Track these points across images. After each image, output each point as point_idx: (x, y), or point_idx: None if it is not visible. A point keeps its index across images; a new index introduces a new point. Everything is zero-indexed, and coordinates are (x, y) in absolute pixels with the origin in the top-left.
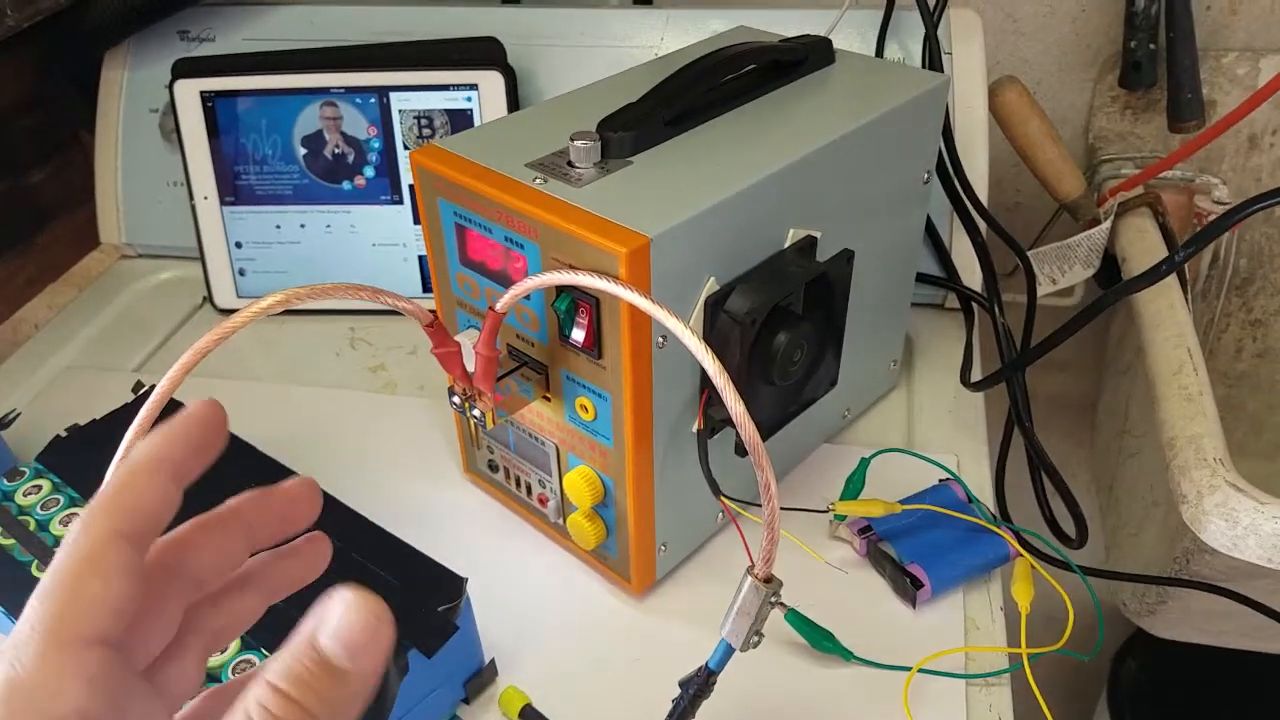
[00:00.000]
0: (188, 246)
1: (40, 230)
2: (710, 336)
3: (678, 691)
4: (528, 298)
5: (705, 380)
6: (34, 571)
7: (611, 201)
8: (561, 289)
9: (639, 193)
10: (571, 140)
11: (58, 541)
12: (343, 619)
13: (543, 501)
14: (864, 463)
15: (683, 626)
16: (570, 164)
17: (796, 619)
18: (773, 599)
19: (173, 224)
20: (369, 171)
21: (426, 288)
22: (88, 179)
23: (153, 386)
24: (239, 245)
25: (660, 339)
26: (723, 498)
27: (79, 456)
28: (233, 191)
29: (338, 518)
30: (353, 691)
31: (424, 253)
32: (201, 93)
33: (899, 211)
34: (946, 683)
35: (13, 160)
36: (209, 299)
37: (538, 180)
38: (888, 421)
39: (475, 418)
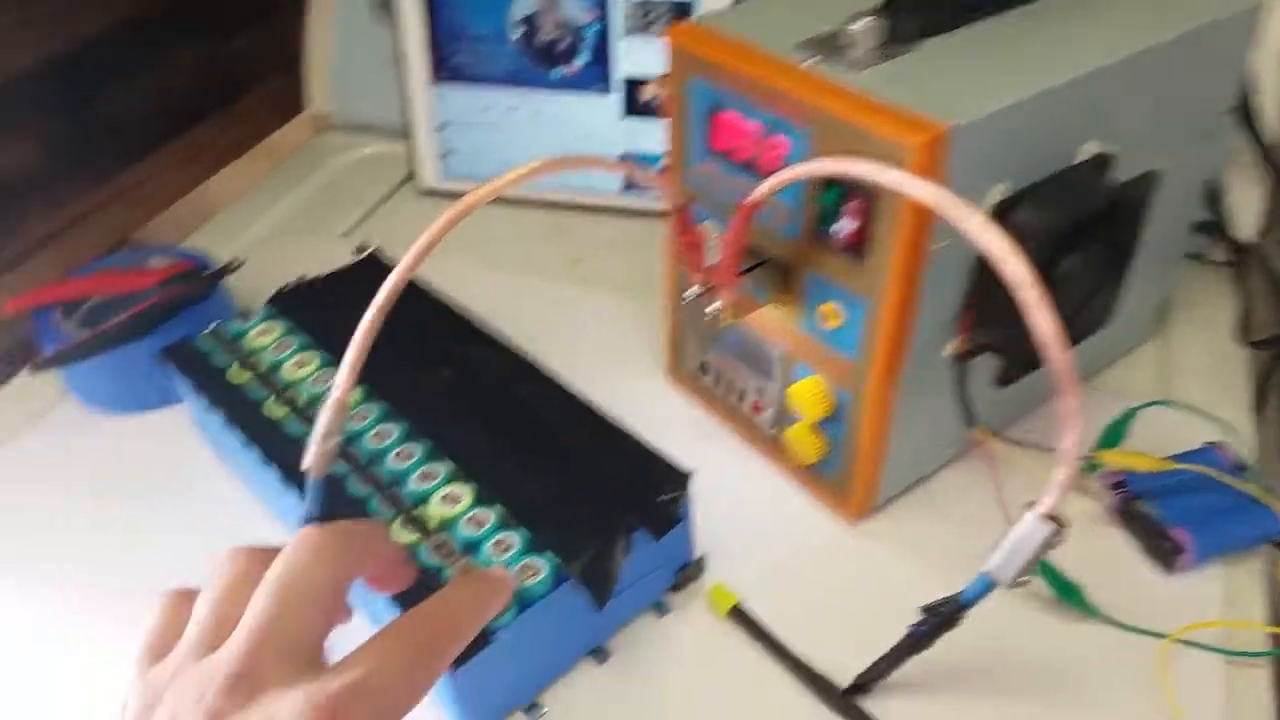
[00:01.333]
0: (392, 123)
1: (240, 96)
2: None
3: (895, 617)
4: (782, 190)
5: (973, 298)
6: (268, 408)
7: (899, 88)
8: (830, 181)
9: (929, 81)
10: (850, 20)
11: (290, 383)
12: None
13: (757, 410)
14: (1131, 413)
15: (897, 558)
16: (847, 46)
17: (1044, 566)
18: (1054, 540)
19: (379, 99)
20: (582, 58)
21: (628, 187)
22: (290, 47)
23: (373, 250)
24: (446, 125)
25: (936, 245)
26: (978, 428)
27: (307, 307)
28: (444, 69)
29: (568, 405)
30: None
31: (629, 149)
32: None
33: (1193, 144)
34: (1202, 657)
35: (218, 23)
36: (412, 178)
37: (812, 61)
38: (1137, 374)
39: (709, 315)
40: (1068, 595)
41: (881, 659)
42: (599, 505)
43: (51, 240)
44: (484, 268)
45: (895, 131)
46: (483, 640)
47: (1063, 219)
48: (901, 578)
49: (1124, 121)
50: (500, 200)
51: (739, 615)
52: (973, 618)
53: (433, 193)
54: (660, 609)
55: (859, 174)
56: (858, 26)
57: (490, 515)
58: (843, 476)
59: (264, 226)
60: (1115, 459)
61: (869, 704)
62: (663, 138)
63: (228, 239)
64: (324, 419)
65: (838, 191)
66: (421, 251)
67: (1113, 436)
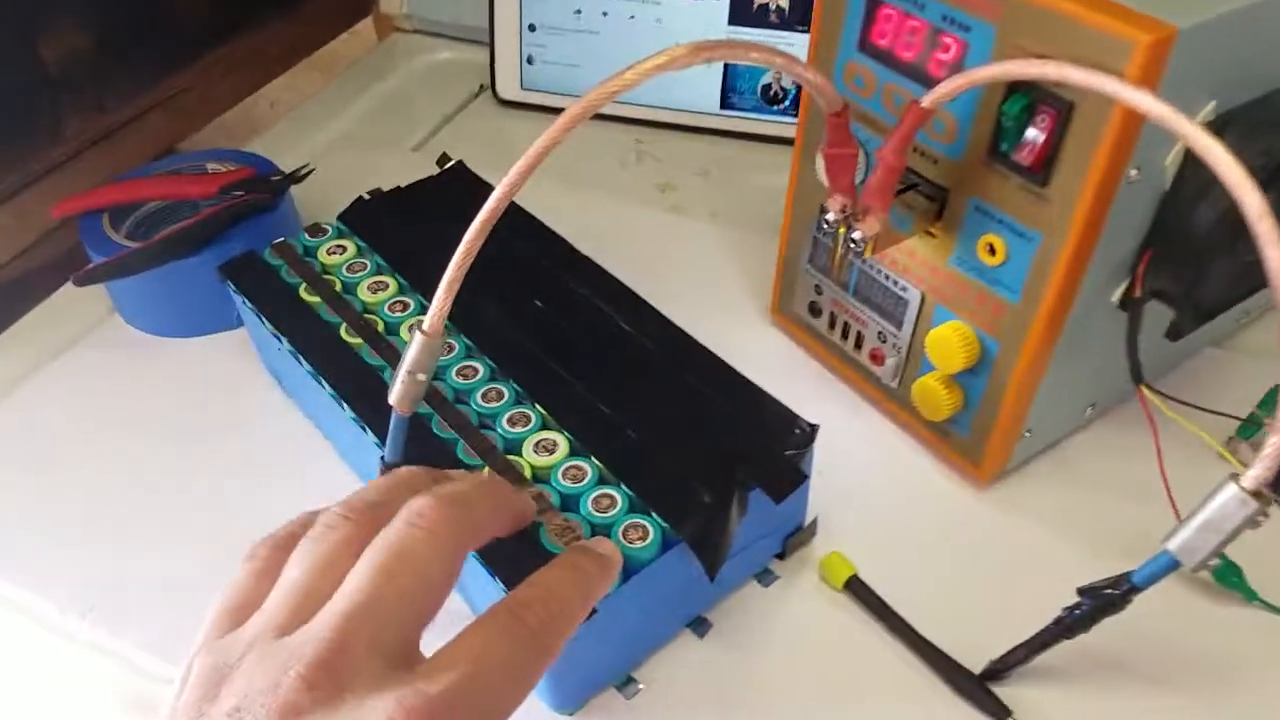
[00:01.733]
0: (468, 26)
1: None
2: (1183, 181)
3: (1030, 595)
4: (953, 99)
5: (1154, 239)
6: (343, 334)
7: None
8: (1016, 88)
9: None
10: None
11: (366, 307)
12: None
13: (877, 358)
14: None
15: (1032, 529)
16: None
17: None
18: (1257, 519)
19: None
20: None
21: (725, 104)
22: None
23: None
24: (532, 29)
25: (1134, 171)
26: (1144, 386)
27: (383, 221)
28: None
29: (675, 344)
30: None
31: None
32: None
33: None
34: None
35: None
36: (491, 87)
37: None
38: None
39: (853, 242)
40: (1226, 578)
41: (1027, 643)
42: (711, 460)
43: (94, 145)
44: (565, 189)
45: (1116, 27)
46: None
47: (1276, 149)
48: (1037, 550)
49: None
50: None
51: (856, 587)
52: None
53: (512, 104)
54: (765, 577)
55: (1076, 80)
56: None
57: (588, 467)
58: (977, 436)
59: (326, 138)
60: None
61: (1002, 691)
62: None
63: (285, 151)
64: (413, 351)
65: (1025, 100)
66: (535, 158)
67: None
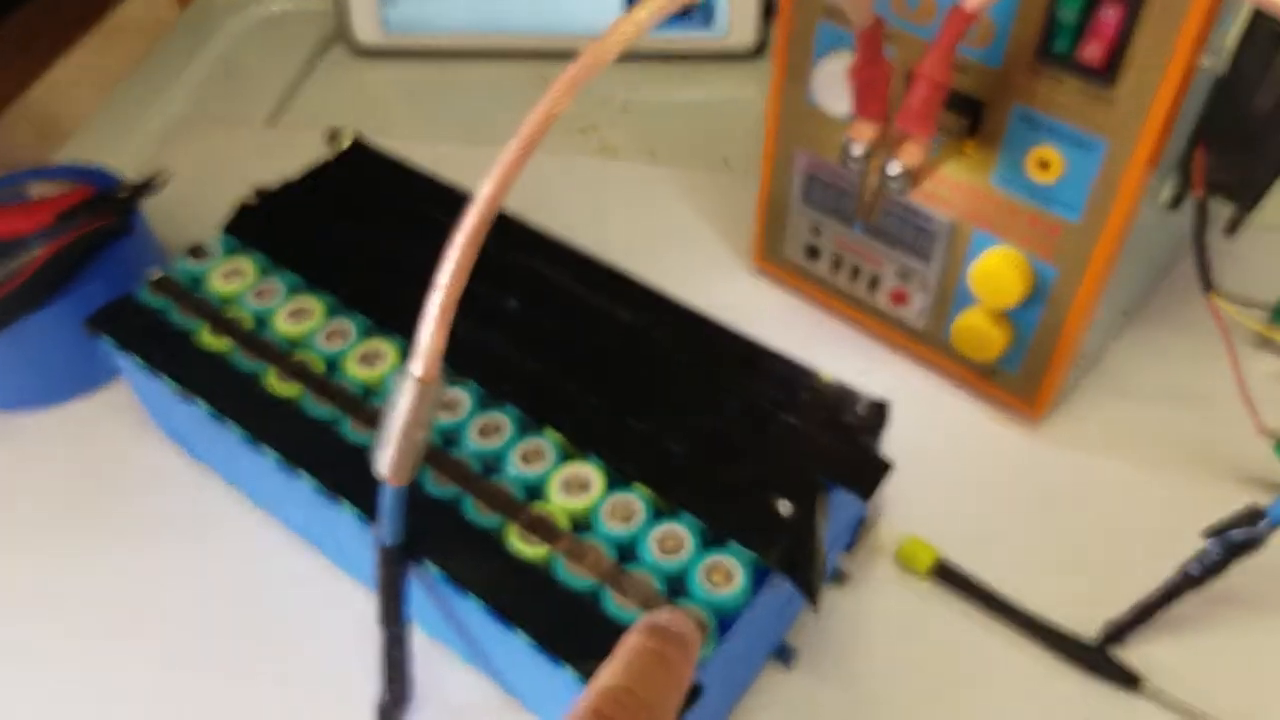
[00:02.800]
0: None
1: None
2: (1243, 60)
3: (1125, 540)
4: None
5: (1207, 124)
6: (271, 385)
7: None
8: None
9: None
10: None
11: (292, 342)
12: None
13: (899, 299)
14: None
15: (1102, 461)
16: None
17: None
18: None
19: None
20: None
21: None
22: None
23: (355, 137)
24: None
25: (1207, 60)
26: (1215, 296)
27: (282, 227)
28: None
29: (702, 330)
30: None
31: None
32: None
33: None
34: None
35: None
36: (345, 34)
37: None
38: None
39: (891, 179)
40: None
41: (1148, 600)
42: (776, 462)
43: None
44: (472, 148)
45: None
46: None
47: None
48: (1115, 485)
49: None
50: (459, 55)
51: (946, 573)
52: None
53: (375, 52)
54: (839, 578)
55: None
56: None
57: (637, 501)
58: (1030, 372)
59: (156, 128)
60: None
61: (1127, 654)
62: None
63: (108, 153)
64: (406, 404)
65: None
66: (527, 143)
67: None
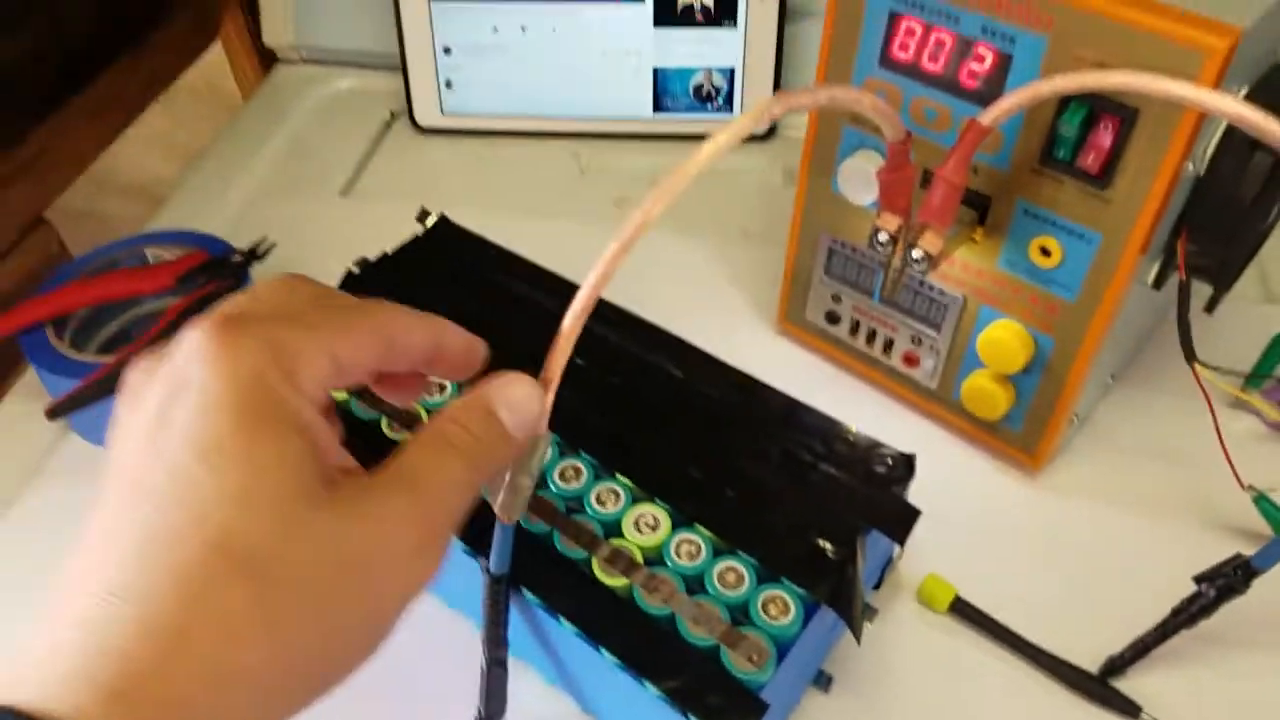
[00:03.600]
0: (364, 52)
1: (156, 26)
2: (1220, 165)
3: (1121, 579)
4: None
5: (1188, 216)
6: (386, 430)
7: None
8: (1073, 99)
9: None
10: None
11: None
12: (523, 401)
13: (911, 361)
14: None
15: (1096, 507)
16: None
17: (1268, 506)
18: None
19: (348, 24)
20: None
21: (659, 106)
22: None
23: (439, 216)
24: (447, 51)
25: (1190, 165)
26: (1197, 364)
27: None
28: None
29: (750, 389)
30: (503, 455)
31: (660, 64)
32: None
33: None
34: None
35: None
36: (409, 114)
37: None
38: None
39: (915, 262)
40: None
41: (1145, 636)
42: (819, 508)
43: None
44: (520, 218)
45: (1187, 35)
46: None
47: None
48: (1108, 530)
49: None
50: (506, 134)
51: (962, 608)
52: (1187, 558)
53: (434, 131)
54: (868, 613)
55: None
56: None
57: (700, 540)
58: (1031, 428)
59: (242, 195)
60: None
61: (1124, 685)
62: (699, 51)
63: (201, 217)
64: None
65: (1085, 110)
66: (623, 248)
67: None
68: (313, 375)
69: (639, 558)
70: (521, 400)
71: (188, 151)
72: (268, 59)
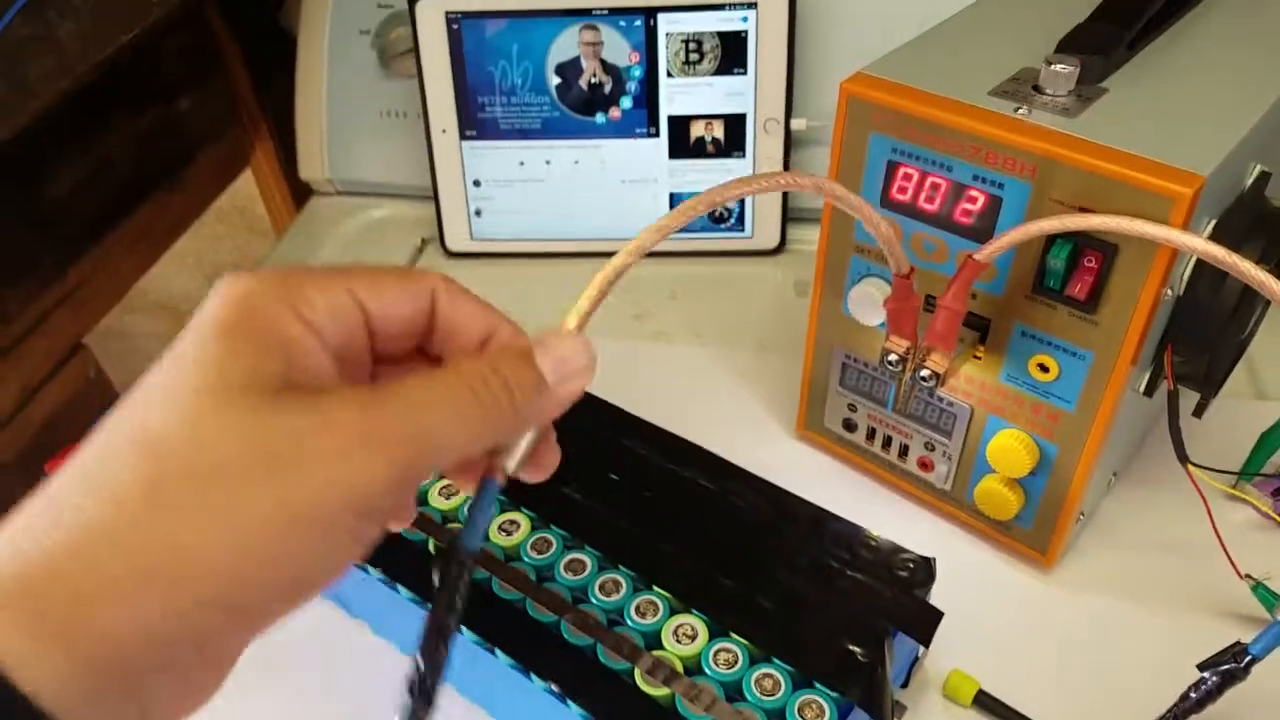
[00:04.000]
0: (396, 184)
1: (192, 160)
2: (1196, 287)
3: (1133, 667)
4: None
5: (1171, 331)
6: (431, 549)
7: (1127, 135)
8: (1060, 236)
9: (1149, 125)
10: (1047, 64)
11: (445, 516)
12: (570, 355)
13: (925, 466)
14: None
15: (1101, 599)
16: (1038, 90)
17: (1265, 593)
18: None
19: (380, 158)
20: (626, 102)
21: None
22: (232, 106)
23: None
24: (477, 184)
25: (1168, 291)
26: (1190, 465)
27: None
28: (474, 124)
29: (777, 499)
30: (536, 411)
31: (676, 190)
32: (447, 13)
33: None
34: None
35: (165, 86)
36: (440, 240)
37: (1020, 110)
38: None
39: (924, 380)
40: None
41: None
42: (847, 613)
43: (2, 357)
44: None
45: (1159, 182)
46: None
47: (1265, 248)
48: (1119, 622)
49: (1274, 137)
50: (531, 256)
51: (986, 701)
52: (1187, 644)
53: (463, 254)
54: (896, 711)
55: (1133, 230)
56: (1056, 70)
57: (736, 649)
58: (1041, 527)
59: None
60: None
61: None
62: (710, 179)
63: None
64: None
65: (1071, 246)
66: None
67: (1271, 444)
68: (323, 303)
69: (679, 667)
70: (568, 354)
71: (217, 271)
72: (297, 185)
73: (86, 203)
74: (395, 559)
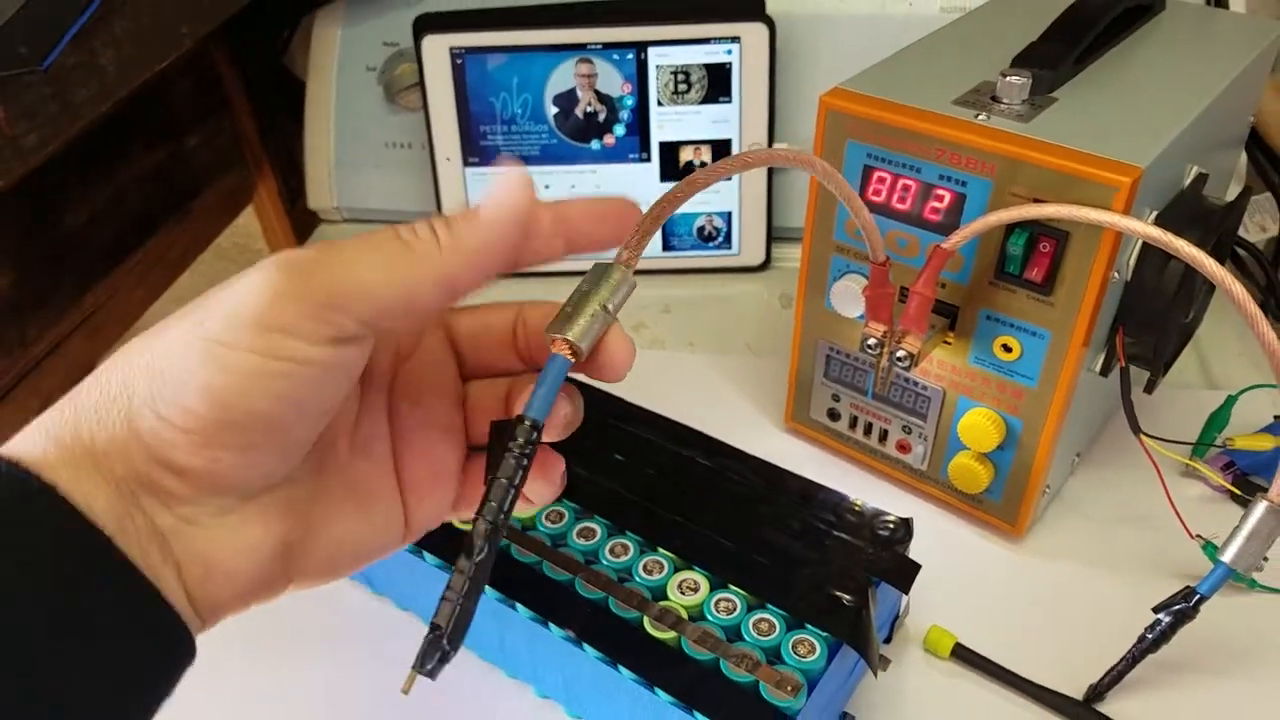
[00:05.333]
0: (401, 210)
1: (199, 193)
2: (1142, 272)
3: (1093, 620)
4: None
5: (1122, 315)
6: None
7: (1074, 135)
8: (1017, 225)
9: (1093, 127)
10: (1003, 76)
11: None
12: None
13: (903, 448)
14: (1231, 400)
15: (1067, 564)
16: (995, 99)
17: (1213, 549)
18: None
19: (386, 187)
20: (619, 130)
21: (668, 246)
22: (236, 144)
23: None
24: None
25: (1115, 274)
26: (1143, 436)
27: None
28: (476, 152)
29: (768, 474)
30: (474, 243)
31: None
32: (451, 49)
33: (1233, 152)
34: None
35: (175, 123)
36: None
37: (980, 116)
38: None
39: (899, 361)
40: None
41: (1120, 662)
42: (835, 567)
43: (21, 381)
44: None
45: (1103, 174)
46: None
47: (1200, 237)
48: (1084, 582)
49: (1210, 141)
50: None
51: (963, 653)
52: (1146, 598)
53: None
54: (881, 663)
55: (1079, 217)
56: (1011, 81)
57: (735, 598)
58: (1010, 499)
59: None
60: (1250, 442)
61: (1106, 708)
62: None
63: None
64: (609, 284)
65: (1028, 234)
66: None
67: (1218, 423)
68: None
69: (684, 615)
70: (502, 183)
71: None
72: (298, 220)
73: (102, 233)
74: (452, 548)
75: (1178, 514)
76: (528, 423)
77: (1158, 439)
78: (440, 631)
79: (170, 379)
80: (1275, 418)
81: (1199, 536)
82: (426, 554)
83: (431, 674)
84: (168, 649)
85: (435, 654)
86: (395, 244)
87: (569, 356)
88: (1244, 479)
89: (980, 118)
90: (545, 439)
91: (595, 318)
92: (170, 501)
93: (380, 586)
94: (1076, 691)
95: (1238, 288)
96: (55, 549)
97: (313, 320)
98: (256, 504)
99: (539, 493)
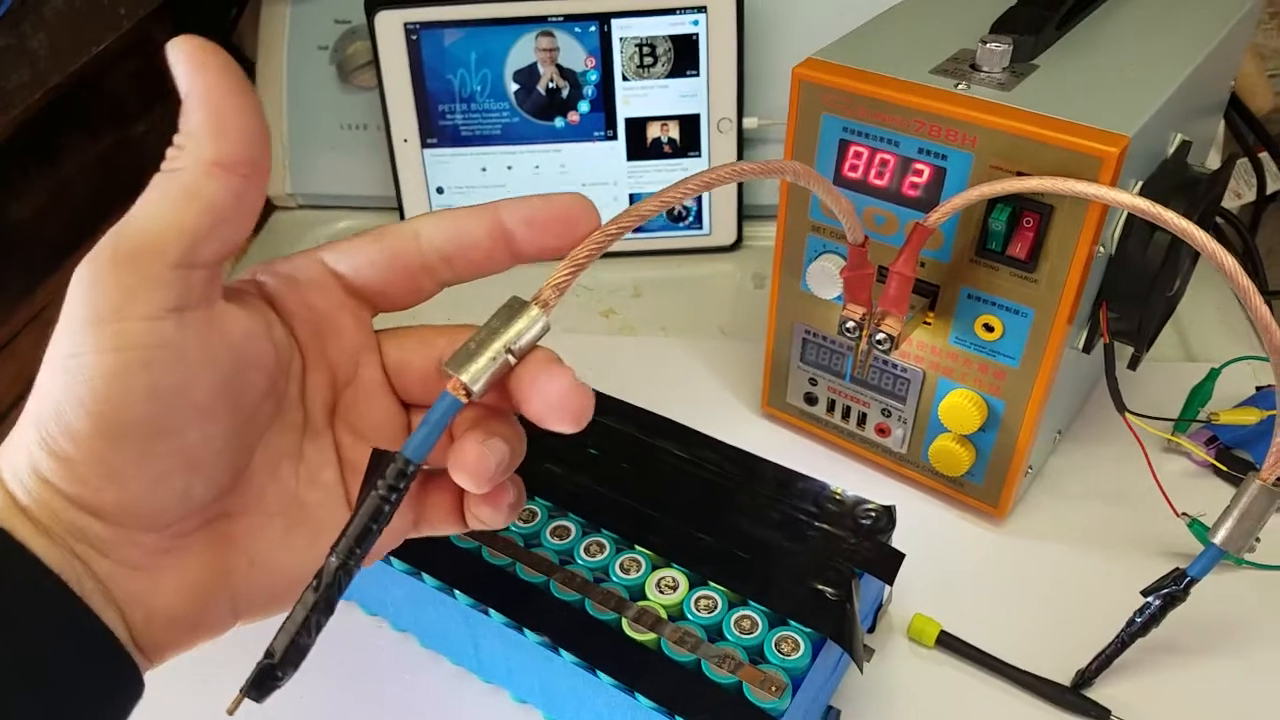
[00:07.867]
0: (358, 195)
1: (145, 185)
2: (1126, 245)
3: (1079, 603)
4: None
5: (1105, 290)
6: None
7: (1058, 104)
8: (1000, 200)
9: (1077, 95)
10: (983, 44)
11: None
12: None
13: (883, 432)
14: (1214, 373)
15: (1051, 545)
16: (974, 68)
17: (1200, 527)
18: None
19: (342, 171)
20: (584, 106)
21: (637, 227)
22: None
23: None
24: (440, 191)
25: (1100, 248)
26: (1127, 414)
27: None
28: (434, 133)
29: (743, 462)
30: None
31: (635, 191)
32: (405, 25)
33: (1214, 119)
34: None
35: (120, 111)
36: None
37: (960, 86)
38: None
39: (879, 343)
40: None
41: (1108, 647)
42: (816, 559)
43: None
44: None
45: (1088, 144)
46: None
47: (1187, 207)
48: (1068, 564)
49: (1194, 107)
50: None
51: (948, 641)
52: (1131, 579)
53: None
54: (866, 653)
55: (1067, 190)
56: (990, 49)
57: (716, 595)
58: (992, 481)
59: None
60: (1234, 416)
61: (1095, 694)
62: (667, 179)
63: None
64: (519, 327)
65: (1010, 209)
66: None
67: (1201, 397)
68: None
69: (664, 614)
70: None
71: None
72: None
73: (49, 225)
74: (419, 552)
75: (1164, 493)
76: (399, 461)
77: (1141, 415)
78: (272, 659)
79: (49, 415)
80: (1258, 388)
81: (1185, 514)
82: (426, 575)
83: (258, 698)
84: (121, 688)
85: (267, 681)
86: (158, 177)
87: (461, 398)
88: (1227, 452)
89: (960, 87)
90: (486, 517)
91: (495, 360)
92: (103, 547)
93: (374, 608)
94: (1064, 676)
95: (1230, 260)
96: (12, 589)
97: (135, 293)
98: (194, 539)
99: (487, 518)
